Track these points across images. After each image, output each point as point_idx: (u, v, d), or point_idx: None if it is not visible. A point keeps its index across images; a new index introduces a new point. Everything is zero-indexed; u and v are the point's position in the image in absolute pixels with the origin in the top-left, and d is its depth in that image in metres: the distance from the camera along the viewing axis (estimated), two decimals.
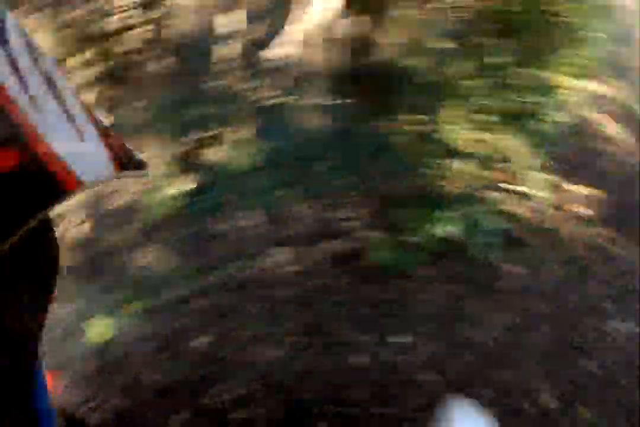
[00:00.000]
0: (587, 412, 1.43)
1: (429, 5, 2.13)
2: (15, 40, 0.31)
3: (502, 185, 2.81)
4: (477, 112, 2.16)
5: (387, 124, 2.07)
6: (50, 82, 0.33)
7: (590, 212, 2.79)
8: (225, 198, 1.66)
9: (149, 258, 1.53)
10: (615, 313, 1.76)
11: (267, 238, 1.63)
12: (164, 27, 1.95)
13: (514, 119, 2.24)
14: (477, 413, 1.34)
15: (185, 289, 1.46)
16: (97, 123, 0.36)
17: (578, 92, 2.47)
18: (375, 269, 1.93)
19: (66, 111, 0.33)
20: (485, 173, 2.45)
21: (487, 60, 2.14)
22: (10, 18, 0.33)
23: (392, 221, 2.13)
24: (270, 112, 1.88)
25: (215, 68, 1.92)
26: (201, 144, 1.72)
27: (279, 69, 2.02)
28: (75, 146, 0.32)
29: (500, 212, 2.53)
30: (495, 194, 2.44)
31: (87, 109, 0.36)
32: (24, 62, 0.31)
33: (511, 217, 2.75)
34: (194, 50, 2.02)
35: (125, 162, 0.35)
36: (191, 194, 1.61)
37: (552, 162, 3.11)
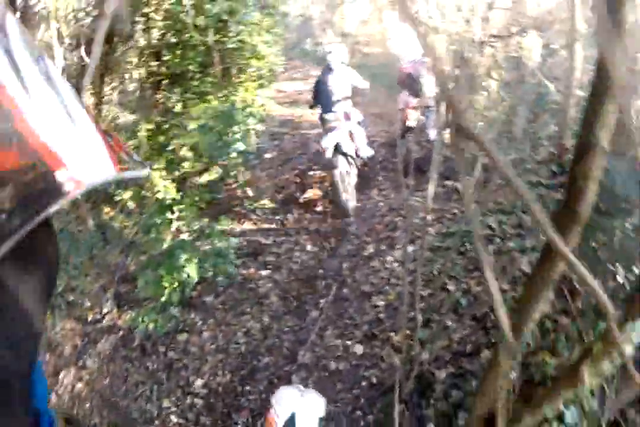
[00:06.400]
0: None
1: None
2: (15, 40, 0.31)
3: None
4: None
5: None
6: (50, 82, 0.33)
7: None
8: None
9: None
10: None
11: None
12: None
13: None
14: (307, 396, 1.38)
15: None
16: (96, 123, 0.36)
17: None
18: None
19: (66, 111, 0.33)
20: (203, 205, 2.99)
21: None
22: (10, 18, 0.32)
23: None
24: None
25: None
26: None
27: None
28: (75, 146, 0.32)
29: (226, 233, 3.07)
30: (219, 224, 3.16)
31: (87, 110, 0.36)
32: (24, 62, 0.31)
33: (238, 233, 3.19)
34: None
35: (125, 163, 0.35)
36: None
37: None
